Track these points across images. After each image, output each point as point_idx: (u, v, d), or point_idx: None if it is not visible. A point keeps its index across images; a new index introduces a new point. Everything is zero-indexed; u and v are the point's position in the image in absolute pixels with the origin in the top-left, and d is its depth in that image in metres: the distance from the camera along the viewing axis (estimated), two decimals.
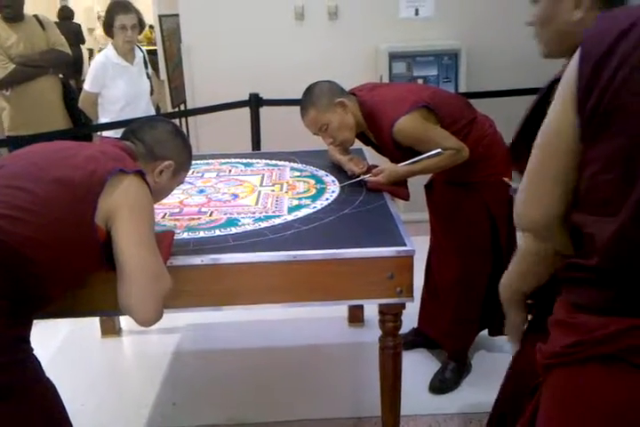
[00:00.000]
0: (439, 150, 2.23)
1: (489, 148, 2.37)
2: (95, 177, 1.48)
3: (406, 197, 2.30)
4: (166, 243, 1.68)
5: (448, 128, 2.27)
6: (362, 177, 2.32)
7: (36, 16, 3.76)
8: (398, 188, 2.28)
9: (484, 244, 2.42)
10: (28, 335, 1.43)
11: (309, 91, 2.34)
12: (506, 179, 2.12)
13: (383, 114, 2.25)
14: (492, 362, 2.63)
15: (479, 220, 2.40)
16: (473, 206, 2.39)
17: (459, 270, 2.45)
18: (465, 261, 2.44)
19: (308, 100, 2.31)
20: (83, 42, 7.71)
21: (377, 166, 2.34)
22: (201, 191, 2.32)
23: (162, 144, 1.73)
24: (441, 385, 2.51)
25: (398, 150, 2.29)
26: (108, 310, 1.74)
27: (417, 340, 2.75)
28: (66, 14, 7.65)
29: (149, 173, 1.68)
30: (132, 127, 1.78)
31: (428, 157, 2.25)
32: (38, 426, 1.37)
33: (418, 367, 2.59)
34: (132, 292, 1.47)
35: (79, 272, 1.53)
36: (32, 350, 1.41)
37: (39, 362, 1.42)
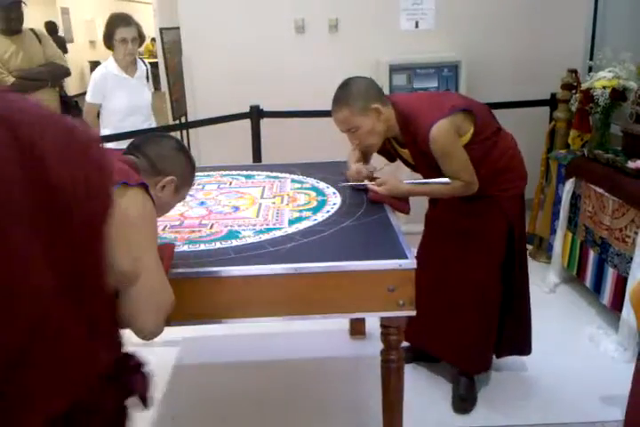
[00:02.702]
0: (447, 180, 2.22)
1: (511, 160, 2.37)
2: None
3: (407, 211, 2.28)
4: (167, 255, 1.67)
5: (481, 133, 2.26)
6: (364, 183, 2.32)
7: (32, 29, 3.78)
8: (399, 201, 2.26)
9: (500, 258, 2.40)
10: None
11: (347, 87, 2.21)
12: None
13: (421, 117, 2.18)
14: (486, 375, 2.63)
15: (499, 234, 2.37)
16: (494, 220, 2.37)
17: (472, 287, 2.40)
18: (480, 277, 2.39)
19: (342, 98, 2.18)
20: (66, 52, 8.03)
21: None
22: (202, 203, 2.31)
23: (165, 160, 1.73)
24: (464, 405, 2.46)
25: (428, 157, 2.22)
26: None
27: (413, 355, 2.70)
28: (52, 28, 8.21)
29: (152, 187, 1.67)
30: (135, 142, 1.78)
31: (435, 183, 2.25)
32: None
33: (420, 381, 2.57)
34: (132, 305, 1.46)
35: None
36: None
37: None
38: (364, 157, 2.50)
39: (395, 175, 2.39)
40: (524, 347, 2.60)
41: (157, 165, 1.71)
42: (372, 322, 2.64)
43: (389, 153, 2.47)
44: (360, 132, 2.20)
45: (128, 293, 1.46)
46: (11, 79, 3.58)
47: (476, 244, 2.40)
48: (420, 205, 2.56)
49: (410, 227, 2.74)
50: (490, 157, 2.31)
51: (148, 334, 1.49)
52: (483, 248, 2.39)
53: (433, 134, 2.14)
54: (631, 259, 2.74)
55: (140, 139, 1.80)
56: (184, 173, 1.78)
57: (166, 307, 1.51)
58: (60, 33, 8.67)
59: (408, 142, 2.28)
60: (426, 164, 2.29)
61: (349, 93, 2.18)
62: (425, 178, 2.34)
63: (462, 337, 2.45)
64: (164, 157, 1.73)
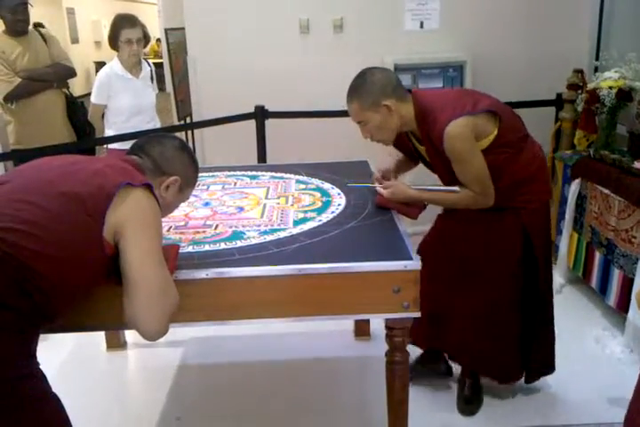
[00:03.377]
0: (456, 188, 2.15)
1: (537, 170, 2.24)
2: (103, 192, 1.48)
3: (414, 216, 2.21)
4: (171, 256, 1.67)
5: (504, 137, 2.13)
6: (372, 185, 2.30)
7: (38, 30, 3.78)
8: (408, 206, 2.20)
9: (514, 270, 2.28)
10: (35, 350, 1.42)
11: (362, 78, 2.14)
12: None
13: (439, 113, 2.08)
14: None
15: (512, 247, 2.26)
16: (509, 232, 2.25)
17: (481, 299, 2.31)
18: (488, 289, 2.30)
19: (355, 90, 2.13)
20: None
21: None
22: (206, 204, 2.31)
23: (169, 160, 1.73)
24: (469, 407, 2.43)
25: (443, 156, 2.12)
26: (114, 324, 1.73)
27: (425, 370, 2.62)
28: None
29: (156, 188, 1.67)
30: (139, 142, 1.78)
31: (443, 190, 2.19)
32: None
33: (425, 382, 2.56)
34: (138, 306, 1.46)
35: (85, 286, 1.52)
36: (38, 364, 1.40)
37: (45, 376, 1.41)
38: (400, 169, 2.45)
39: (401, 180, 2.35)
40: (550, 368, 2.50)
41: (161, 166, 1.71)
42: (377, 323, 2.64)
43: (411, 151, 2.38)
44: (370, 127, 2.15)
45: (133, 293, 1.47)
46: (17, 80, 3.58)
47: (486, 255, 2.28)
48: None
49: (415, 228, 2.73)
50: (514, 165, 2.17)
51: (152, 335, 1.49)
52: (491, 259, 2.27)
53: (447, 132, 2.04)
54: (637, 260, 2.73)
55: (143, 139, 1.80)
56: (187, 172, 1.78)
57: (171, 307, 1.51)
58: (65, 34, 8.65)
59: (424, 139, 2.19)
60: (442, 164, 2.17)
61: (362, 86, 2.12)
62: (442, 179, 2.26)
63: (477, 342, 2.36)
64: (168, 157, 1.73)
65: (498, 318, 2.32)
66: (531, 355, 2.40)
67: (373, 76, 2.13)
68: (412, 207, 2.21)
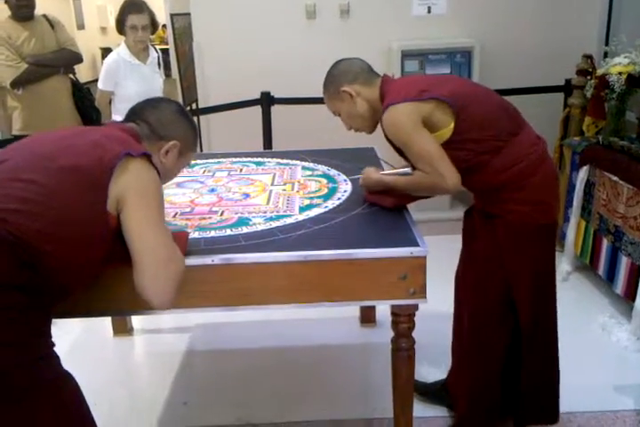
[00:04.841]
0: (407, 170, 2.03)
1: (521, 175, 1.93)
2: (103, 163, 1.46)
3: (389, 205, 2.02)
4: (181, 243, 1.65)
5: (469, 131, 1.91)
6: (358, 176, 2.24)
7: (45, 16, 3.76)
8: (380, 196, 2.05)
9: (495, 299, 2.04)
10: (49, 330, 1.41)
11: (329, 71, 2.13)
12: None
13: (386, 99, 1.97)
14: None
15: (492, 268, 2.02)
16: (486, 246, 2.03)
17: (469, 325, 2.13)
18: (471, 313, 2.12)
19: (325, 82, 2.12)
20: None
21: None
22: (212, 190, 2.30)
23: (166, 124, 1.70)
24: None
25: (392, 144, 2.00)
26: (121, 309, 1.75)
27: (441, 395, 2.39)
28: None
29: (155, 153, 1.65)
30: (135, 108, 1.75)
31: (397, 173, 2.07)
32: (62, 422, 1.37)
33: (430, 368, 2.57)
34: (144, 273, 1.46)
35: (93, 262, 1.51)
36: (53, 345, 1.40)
37: (58, 357, 1.41)
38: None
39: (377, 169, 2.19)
40: (549, 412, 2.20)
41: (159, 131, 1.69)
42: (383, 310, 2.64)
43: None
44: (342, 116, 2.13)
45: (138, 261, 1.47)
46: (24, 65, 3.57)
47: (472, 272, 2.11)
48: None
49: (422, 215, 2.71)
50: (488, 165, 1.93)
51: (160, 302, 1.49)
52: (475, 280, 2.09)
53: (384, 118, 1.93)
54: None
55: (139, 104, 1.77)
56: (187, 136, 1.76)
57: (177, 274, 1.51)
58: (71, 19, 8.60)
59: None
60: (400, 151, 2.01)
61: (327, 78, 2.12)
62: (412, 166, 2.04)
63: (460, 382, 2.22)
64: (165, 121, 1.71)
65: (476, 359, 2.13)
66: (521, 387, 2.14)
67: (336, 67, 2.13)
68: (385, 196, 2.05)
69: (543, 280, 2.07)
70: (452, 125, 1.91)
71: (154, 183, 1.55)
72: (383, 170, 2.25)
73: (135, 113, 1.73)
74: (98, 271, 1.57)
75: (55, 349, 1.41)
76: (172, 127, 1.72)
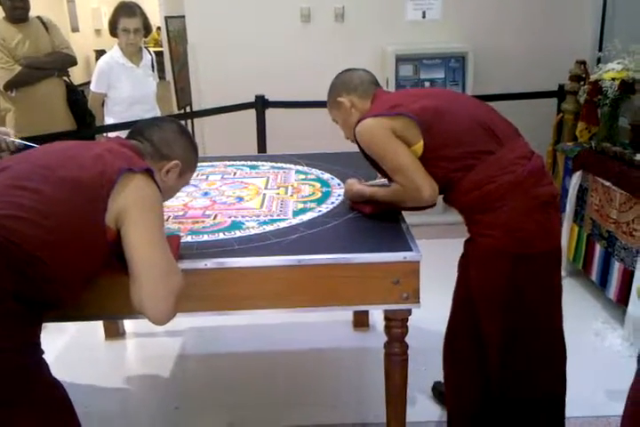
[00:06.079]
0: (384, 181, 2.05)
1: (486, 198, 1.82)
2: (105, 177, 1.47)
3: (368, 211, 2.03)
4: (173, 247, 1.65)
5: (439, 149, 1.86)
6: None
7: (39, 18, 3.75)
8: (360, 203, 2.08)
9: (464, 327, 2.00)
10: (39, 338, 1.41)
11: (333, 80, 2.16)
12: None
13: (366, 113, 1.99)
14: None
15: (461, 292, 2.01)
16: (461, 268, 2.01)
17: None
18: (448, 328, 2.10)
19: (328, 90, 2.16)
20: None
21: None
22: (205, 194, 2.30)
23: (168, 144, 1.72)
24: None
25: (367, 159, 2.01)
26: (114, 314, 1.74)
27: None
28: None
29: (157, 172, 1.66)
30: (138, 126, 1.77)
31: (377, 184, 2.10)
32: None
33: (423, 372, 2.56)
34: (143, 290, 1.46)
35: (88, 273, 1.51)
36: (42, 352, 1.40)
37: (47, 365, 1.40)
38: None
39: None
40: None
41: (161, 150, 1.70)
42: (376, 314, 2.63)
43: None
44: (339, 125, 2.16)
45: (137, 277, 1.46)
46: (18, 68, 3.56)
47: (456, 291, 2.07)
48: None
49: (414, 218, 2.71)
50: (459, 183, 1.86)
51: (159, 319, 1.48)
52: (454, 297, 2.06)
53: (356, 132, 1.95)
54: (638, 253, 2.72)
55: (142, 123, 1.79)
56: (188, 156, 1.77)
57: (176, 290, 1.50)
58: (66, 22, 8.58)
59: None
60: (375, 166, 2.02)
61: (330, 86, 2.16)
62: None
63: None
64: (168, 141, 1.72)
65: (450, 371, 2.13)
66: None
67: (339, 76, 2.16)
68: (365, 204, 2.06)
69: (517, 316, 1.87)
70: (422, 143, 1.86)
71: (155, 198, 1.55)
72: (366, 181, 2.22)
73: (138, 131, 1.74)
74: (91, 283, 1.56)
75: (45, 354, 1.41)
76: (174, 147, 1.73)
